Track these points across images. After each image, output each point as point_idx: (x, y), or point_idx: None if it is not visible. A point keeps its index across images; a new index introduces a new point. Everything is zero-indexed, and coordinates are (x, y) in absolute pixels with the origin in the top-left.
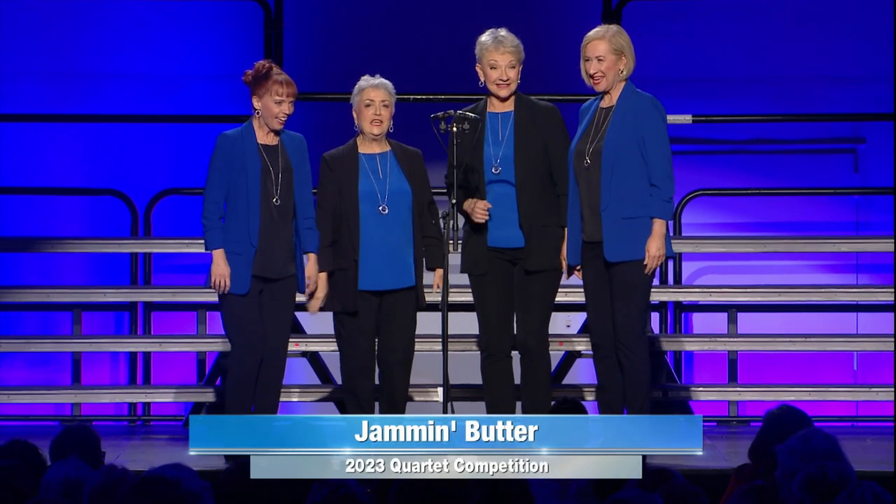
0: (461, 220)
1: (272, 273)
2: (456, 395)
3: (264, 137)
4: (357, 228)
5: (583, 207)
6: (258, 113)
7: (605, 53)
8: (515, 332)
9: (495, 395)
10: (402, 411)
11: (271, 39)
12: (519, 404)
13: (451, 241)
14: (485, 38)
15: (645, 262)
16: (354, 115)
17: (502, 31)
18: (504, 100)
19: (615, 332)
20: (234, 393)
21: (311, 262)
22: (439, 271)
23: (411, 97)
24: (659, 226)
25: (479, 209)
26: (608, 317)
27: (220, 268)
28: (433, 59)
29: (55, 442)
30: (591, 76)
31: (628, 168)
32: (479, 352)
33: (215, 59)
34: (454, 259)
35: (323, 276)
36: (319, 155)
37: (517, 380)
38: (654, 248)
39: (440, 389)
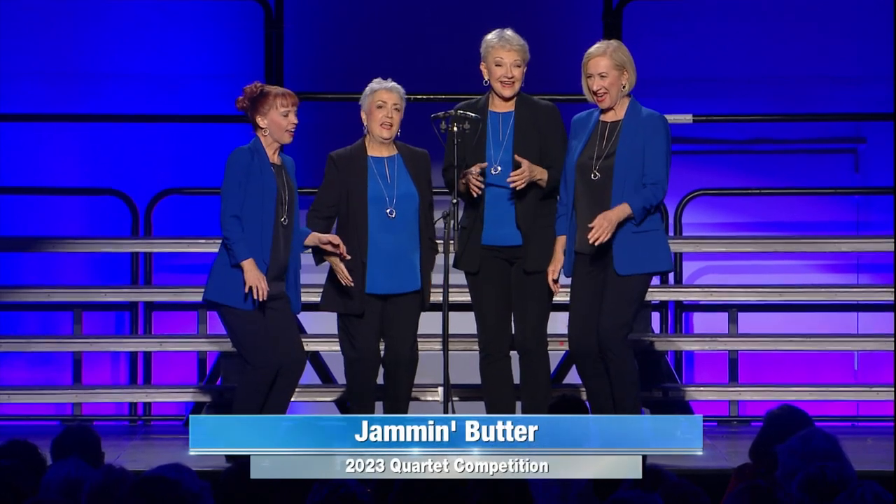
0: (460, 215)
1: (275, 290)
2: (456, 394)
3: (272, 156)
4: (365, 232)
5: (584, 220)
6: (265, 131)
7: (607, 70)
8: (514, 332)
9: (494, 396)
10: (405, 412)
11: (271, 39)
12: (519, 404)
13: (451, 241)
14: (491, 36)
15: (591, 225)
16: (364, 117)
17: (508, 31)
18: (507, 100)
19: (601, 337)
20: (246, 403)
21: (312, 235)
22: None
23: (412, 97)
24: (621, 210)
25: (476, 179)
26: (595, 325)
27: (255, 274)
28: (434, 59)
29: (55, 442)
30: (595, 93)
31: (639, 182)
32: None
33: (215, 59)
34: (454, 259)
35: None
36: (320, 154)
37: (516, 380)
38: (605, 220)
39: (440, 389)
